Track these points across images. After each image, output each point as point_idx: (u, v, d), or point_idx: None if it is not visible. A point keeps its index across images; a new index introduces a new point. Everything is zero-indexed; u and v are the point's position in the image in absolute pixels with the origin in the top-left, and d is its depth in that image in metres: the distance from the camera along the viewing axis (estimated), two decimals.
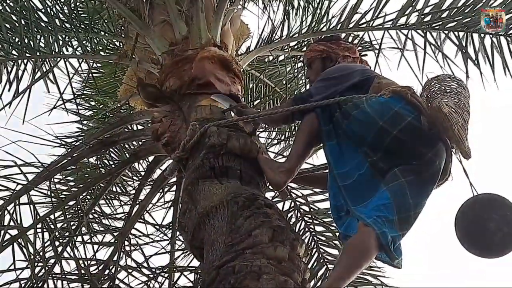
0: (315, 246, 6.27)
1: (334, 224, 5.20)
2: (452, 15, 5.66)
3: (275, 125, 4.53)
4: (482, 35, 5.64)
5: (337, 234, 3.69)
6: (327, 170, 3.73)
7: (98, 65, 7.70)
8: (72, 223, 5.87)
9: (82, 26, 6.39)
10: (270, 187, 3.98)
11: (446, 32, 5.75)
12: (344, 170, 3.53)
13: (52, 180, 5.40)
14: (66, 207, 5.74)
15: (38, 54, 6.09)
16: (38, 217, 5.20)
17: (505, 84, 5.67)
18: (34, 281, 5.10)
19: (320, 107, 3.71)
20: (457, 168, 3.53)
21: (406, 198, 3.31)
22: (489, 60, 5.66)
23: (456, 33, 5.75)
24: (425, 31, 5.77)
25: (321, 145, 3.79)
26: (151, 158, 6.08)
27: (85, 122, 7.40)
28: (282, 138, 7.39)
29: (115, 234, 5.92)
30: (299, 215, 6.22)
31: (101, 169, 6.52)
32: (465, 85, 3.67)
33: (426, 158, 3.39)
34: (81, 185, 6.19)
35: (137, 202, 6.08)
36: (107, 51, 7.13)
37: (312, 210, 6.18)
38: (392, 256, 3.21)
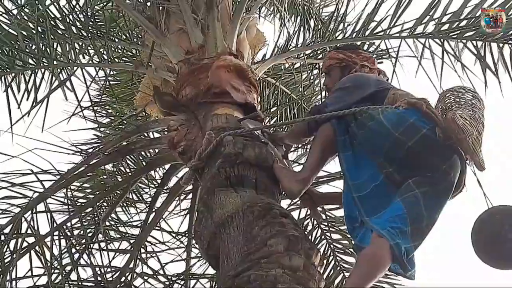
0: (331, 254, 6.25)
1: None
2: (470, 24, 5.61)
3: (296, 141, 4.53)
4: (501, 44, 5.57)
5: (353, 243, 3.67)
6: (343, 180, 3.73)
7: (115, 72, 7.73)
8: (88, 231, 5.89)
9: (99, 34, 6.42)
10: (285, 196, 3.99)
11: (464, 41, 5.69)
12: (359, 181, 3.54)
13: (69, 187, 5.42)
14: (82, 214, 5.75)
15: (55, 63, 6.13)
16: (55, 225, 5.21)
17: None
18: None
19: (335, 118, 3.73)
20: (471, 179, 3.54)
21: (420, 209, 3.31)
22: (508, 70, 5.59)
23: (474, 42, 5.69)
24: (442, 40, 5.73)
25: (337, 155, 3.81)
26: (167, 166, 6.09)
27: (101, 129, 7.42)
28: (298, 146, 7.38)
29: (131, 241, 5.94)
30: (315, 222, 6.21)
31: (117, 176, 6.54)
32: (480, 97, 3.66)
33: (441, 170, 3.39)
34: (97, 193, 6.21)
35: (154, 210, 6.09)
36: (123, 59, 7.15)
37: (328, 217, 6.17)
38: (405, 267, 3.20)
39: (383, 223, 3.24)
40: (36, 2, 6.00)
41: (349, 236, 5.92)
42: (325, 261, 6.11)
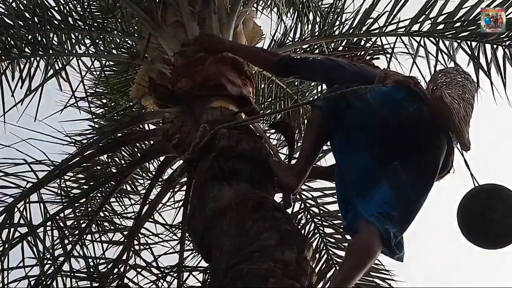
0: (324, 248, 6.27)
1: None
2: (465, 25, 5.65)
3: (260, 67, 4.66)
4: (495, 46, 5.63)
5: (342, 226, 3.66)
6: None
7: (111, 63, 7.71)
8: (82, 222, 5.90)
9: (95, 25, 6.41)
10: (281, 189, 3.97)
11: (459, 41, 5.74)
12: (349, 163, 3.51)
13: (62, 178, 5.42)
14: (76, 205, 5.75)
15: (51, 52, 6.12)
16: (48, 215, 5.21)
17: None
18: (43, 279, 5.12)
19: (324, 102, 3.72)
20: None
21: (407, 192, 3.32)
22: (501, 71, 5.65)
23: (469, 42, 5.74)
24: (437, 39, 5.77)
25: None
26: (162, 158, 6.09)
27: (96, 120, 7.41)
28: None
29: (125, 233, 5.94)
30: (309, 216, 6.23)
31: (112, 167, 6.54)
32: (471, 79, 3.66)
33: (427, 150, 3.39)
34: (91, 184, 6.21)
35: (147, 202, 6.09)
36: (119, 50, 7.14)
37: (321, 212, 6.18)
38: (393, 251, 3.23)
39: (371, 209, 3.24)
40: None
41: (342, 230, 5.99)
42: (317, 255, 6.13)
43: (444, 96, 3.32)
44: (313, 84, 7.41)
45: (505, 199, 3.19)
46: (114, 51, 7.08)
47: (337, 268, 6.18)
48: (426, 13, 5.79)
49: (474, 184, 3.32)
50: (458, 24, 5.71)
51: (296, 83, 7.31)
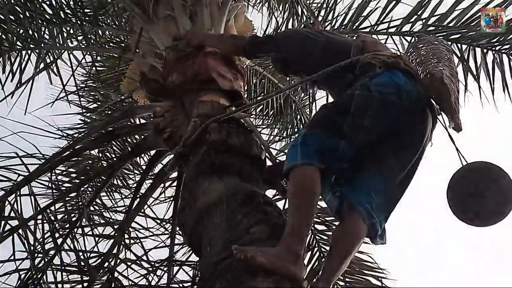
0: (316, 245, 6.27)
1: (335, 223, 5.15)
2: (457, 27, 5.70)
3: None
4: (485, 50, 5.68)
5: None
6: None
7: (102, 58, 7.71)
8: (72, 215, 5.89)
9: (87, 19, 6.40)
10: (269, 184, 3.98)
11: (450, 43, 5.75)
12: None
13: (53, 171, 5.41)
14: (67, 199, 5.75)
15: (42, 45, 6.11)
16: (38, 209, 5.20)
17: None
18: (33, 272, 5.11)
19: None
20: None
21: (395, 178, 3.33)
22: (489, 75, 5.71)
23: (459, 45, 5.78)
24: None
25: None
26: (152, 152, 6.09)
27: (87, 114, 7.40)
28: (285, 135, 7.40)
29: (116, 227, 5.94)
30: None
31: (102, 161, 6.54)
32: (451, 49, 3.62)
33: (417, 131, 3.38)
34: (82, 177, 6.21)
35: (138, 196, 6.09)
36: (111, 44, 7.14)
37: None
38: (378, 240, 3.32)
39: (360, 198, 3.26)
40: None
41: (334, 227, 5.99)
42: (309, 253, 6.14)
43: (445, 77, 3.27)
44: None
45: (496, 177, 3.18)
46: (106, 46, 7.07)
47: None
48: (418, 13, 5.81)
49: (461, 163, 3.32)
50: (450, 26, 5.76)
51: (288, 78, 7.30)
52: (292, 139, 4.55)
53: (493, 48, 5.66)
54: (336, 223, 3.76)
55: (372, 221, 3.20)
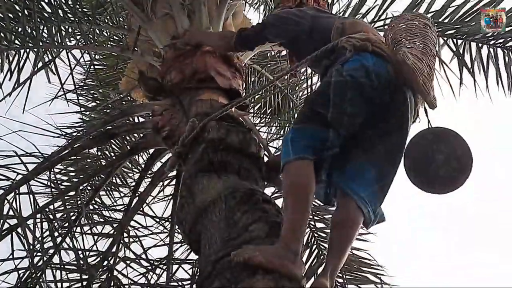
0: (315, 243, 6.28)
1: None
2: (452, 23, 5.73)
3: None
4: (480, 44, 5.76)
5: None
6: None
7: (101, 56, 7.71)
8: (71, 214, 5.89)
9: (85, 17, 6.40)
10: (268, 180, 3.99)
11: (445, 38, 5.82)
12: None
13: (52, 170, 5.41)
14: (66, 197, 5.75)
15: (40, 44, 6.11)
16: (37, 207, 5.20)
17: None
18: (32, 271, 5.11)
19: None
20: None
21: (383, 165, 3.36)
22: (484, 69, 5.80)
23: (454, 40, 5.83)
24: None
25: None
26: (151, 151, 6.09)
27: (86, 113, 7.41)
28: (283, 133, 7.40)
29: (114, 225, 5.95)
30: None
31: (101, 160, 6.54)
32: (432, 23, 3.57)
33: (399, 112, 3.38)
34: (81, 176, 6.21)
35: (137, 194, 6.09)
36: (109, 43, 7.14)
37: (312, 206, 6.17)
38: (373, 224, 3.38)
39: (352, 185, 3.30)
40: None
41: None
42: (308, 250, 6.15)
43: (407, 58, 3.23)
44: (303, 78, 7.43)
45: (452, 142, 3.15)
46: (104, 44, 7.07)
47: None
48: (414, 10, 5.81)
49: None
50: (445, 21, 5.79)
51: (286, 77, 7.30)
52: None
53: (488, 43, 5.73)
54: None
55: (367, 209, 3.26)
